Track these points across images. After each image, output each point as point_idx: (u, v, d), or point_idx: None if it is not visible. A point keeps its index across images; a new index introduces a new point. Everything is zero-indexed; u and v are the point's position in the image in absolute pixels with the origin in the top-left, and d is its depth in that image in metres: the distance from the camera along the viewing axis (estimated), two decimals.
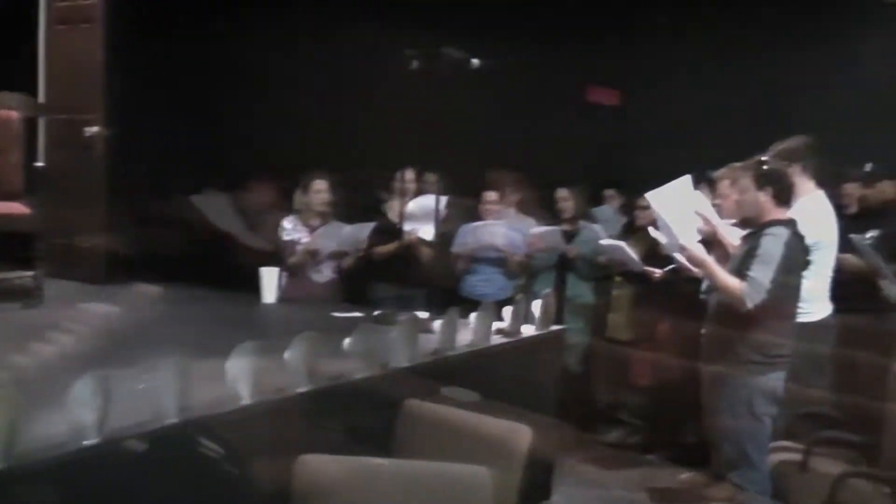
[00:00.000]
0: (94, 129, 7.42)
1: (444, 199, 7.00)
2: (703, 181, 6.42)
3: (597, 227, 7.91)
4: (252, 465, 3.70)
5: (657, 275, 6.99)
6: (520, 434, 4.23)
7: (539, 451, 4.46)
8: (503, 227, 7.82)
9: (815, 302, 5.76)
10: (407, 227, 7.41)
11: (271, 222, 7.40)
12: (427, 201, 7.22)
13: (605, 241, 7.54)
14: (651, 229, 6.24)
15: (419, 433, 4.37)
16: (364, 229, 7.24)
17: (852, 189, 7.45)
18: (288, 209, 7.40)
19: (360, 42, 8.42)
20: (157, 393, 3.45)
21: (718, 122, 8.91)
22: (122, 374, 3.50)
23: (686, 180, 5.81)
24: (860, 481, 4.80)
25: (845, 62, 8.67)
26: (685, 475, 6.58)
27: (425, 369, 4.90)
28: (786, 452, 5.30)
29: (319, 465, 3.66)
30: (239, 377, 3.82)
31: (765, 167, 5.45)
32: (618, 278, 7.75)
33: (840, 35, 8.80)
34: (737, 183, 5.57)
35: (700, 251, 5.51)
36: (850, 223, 6.57)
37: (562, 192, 7.93)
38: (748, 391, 5.24)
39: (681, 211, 5.74)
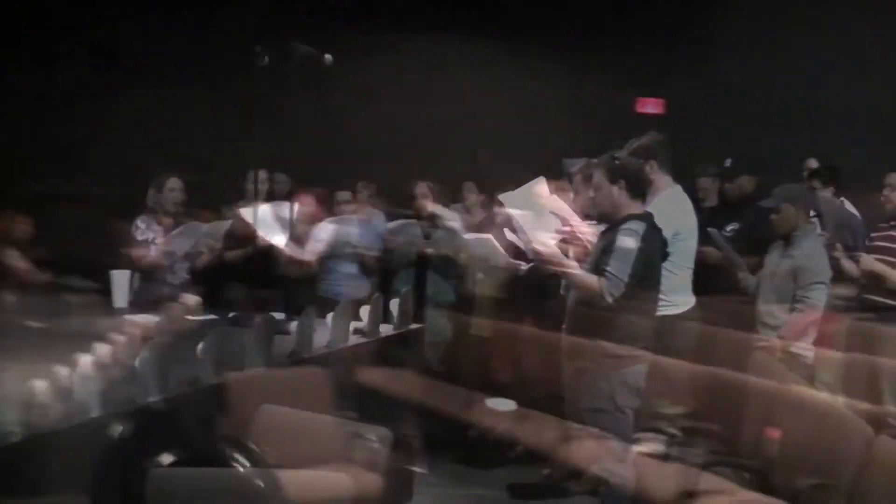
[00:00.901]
0: None
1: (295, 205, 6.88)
2: (566, 176, 6.42)
3: (455, 223, 7.83)
4: (100, 480, 3.53)
5: (523, 268, 6.94)
6: (380, 437, 4.15)
7: (400, 453, 4.39)
8: (356, 225, 7.70)
9: (677, 294, 5.81)
10: (260, 231, 7.24)
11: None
12: (279, 206, 7.08)
13: (471, 236, 7.45)
14: (507, 231, 6.21)
15: (277, 438, 4.25)
16: (218, 229, 7.05)
17: (707, 183, 7.59)
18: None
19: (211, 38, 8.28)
20: None
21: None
22: None
23: (540, 181, 5.79)
24: (721, 469, 4.85)
25: (710, 60, 8.83)
26: (547, 470, 6.57)
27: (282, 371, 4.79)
28: (648, 443, 5.31)
29: (172, 478, 3.51)
30: (86, 389, 3.65)
31: (617, 161, 5.47)
32: (479, 274, 7.67)
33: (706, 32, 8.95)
34: (590, 179, 5.57)
35: (554, 252, 5.48)
36: (709, 217, 6.66)
37: (420, 188, 7.85)
38: (610, 384, 5.23)
39: (536, 212, 5.71)
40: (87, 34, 8.06)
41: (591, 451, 5.29)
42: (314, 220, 7.39)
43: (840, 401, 5.20)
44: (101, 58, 7.96)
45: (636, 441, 5.34)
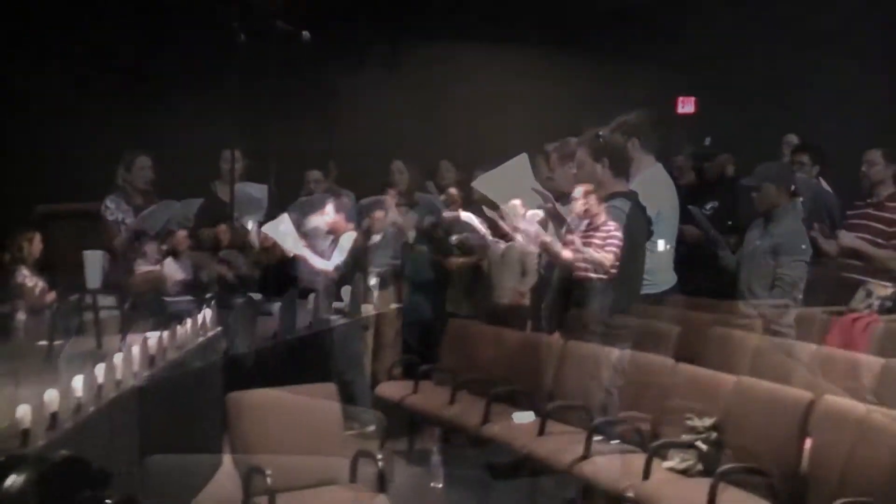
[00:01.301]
0: None
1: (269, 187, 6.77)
2: (541, 155, 6.36)
3: (433, 199, 7.74)
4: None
5: (502, 246, 6.87)
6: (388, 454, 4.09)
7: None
8: (331, 202, 7.61)
9: (660, 273, 5.78)
10: (235, 213, 7.13)
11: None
12: (254, 188, 6.99)
13: (451, 213, 7.35)
14: (486, 209, 6.11)
15: (261, 424, 4.17)
16: (191, 206, 6.92)
17: (682, 161, 7.57)
18: None
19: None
20: None
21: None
22: None
23: (522, 158, 5.71)
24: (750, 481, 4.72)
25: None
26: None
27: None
28: (633, 421, 5.25)
29: (168, 464, 3.46)
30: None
31: (600, 138, 5.44)
32: (457, 251, 7.58)
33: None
34: (573, 157, 5.54)
35: (538, 230, 5.43)
36: (686, 195, 6.65)
37: (397, 165, 7.77)
38: (595, 362, 5.21)
39: (515, 190, 5.64)
40: (82, 33, 7.92)
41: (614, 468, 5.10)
42: (338, 230, 7.21)
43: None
44: (95, 54, 7.84)
45: (622, 419, 5.27)
